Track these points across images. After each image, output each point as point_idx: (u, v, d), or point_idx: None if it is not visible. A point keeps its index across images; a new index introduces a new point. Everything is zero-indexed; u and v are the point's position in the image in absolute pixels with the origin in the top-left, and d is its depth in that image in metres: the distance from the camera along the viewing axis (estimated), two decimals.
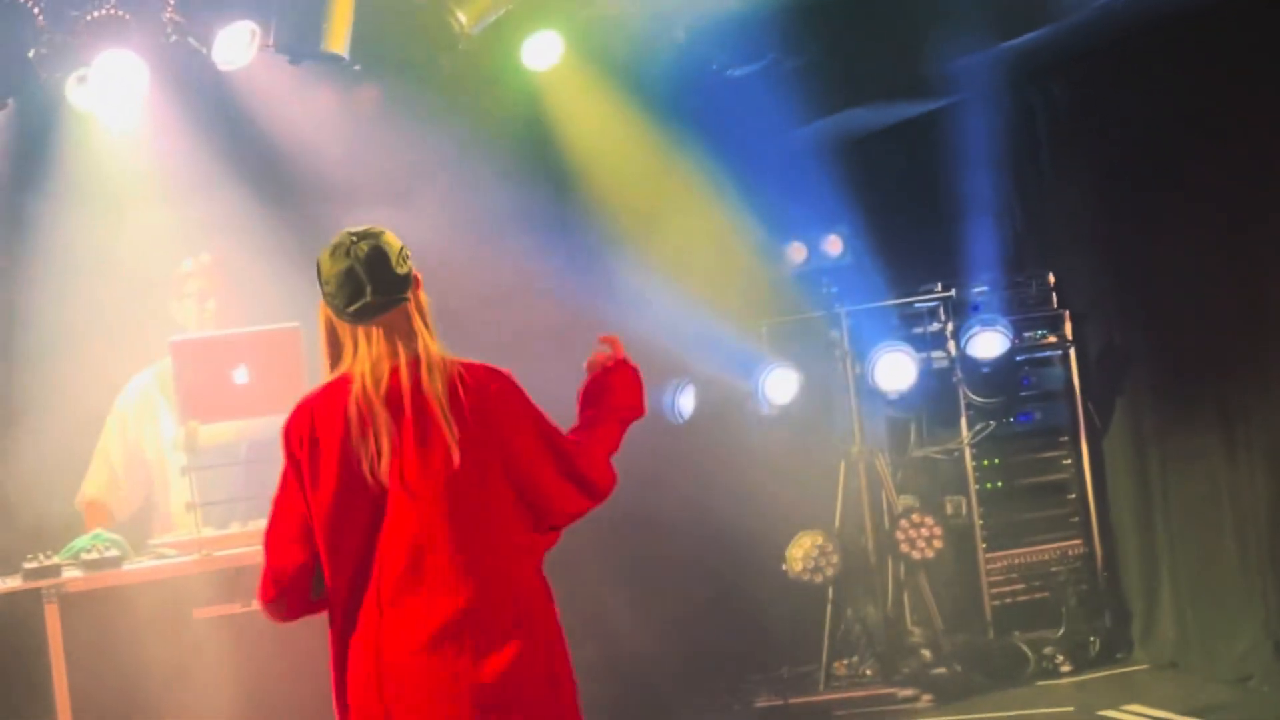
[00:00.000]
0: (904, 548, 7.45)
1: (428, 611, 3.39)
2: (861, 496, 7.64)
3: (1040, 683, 7.20)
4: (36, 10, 5.57)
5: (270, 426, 3.89)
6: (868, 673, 7.44)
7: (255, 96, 6.44)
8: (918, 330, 7.78)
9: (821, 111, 7.50)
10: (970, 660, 7.33)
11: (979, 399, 7.59)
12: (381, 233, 3.53)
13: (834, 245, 8.08)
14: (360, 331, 3.46)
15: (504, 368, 3.56)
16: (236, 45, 5.97)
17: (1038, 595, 7.60)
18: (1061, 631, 7.44)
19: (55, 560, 4.97)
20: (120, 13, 5.70)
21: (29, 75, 5.69)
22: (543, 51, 6.75)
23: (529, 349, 6.71)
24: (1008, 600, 7.62)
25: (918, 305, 7.79)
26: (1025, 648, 7.37)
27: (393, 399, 3.42)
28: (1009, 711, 6.88)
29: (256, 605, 3.55)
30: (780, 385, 7.66)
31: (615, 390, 3.82)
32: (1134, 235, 7.20)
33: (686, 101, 7.13)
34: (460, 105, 6.89)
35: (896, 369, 7.53)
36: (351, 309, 3.45)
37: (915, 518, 7.45)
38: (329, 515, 3.42)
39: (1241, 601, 6.74)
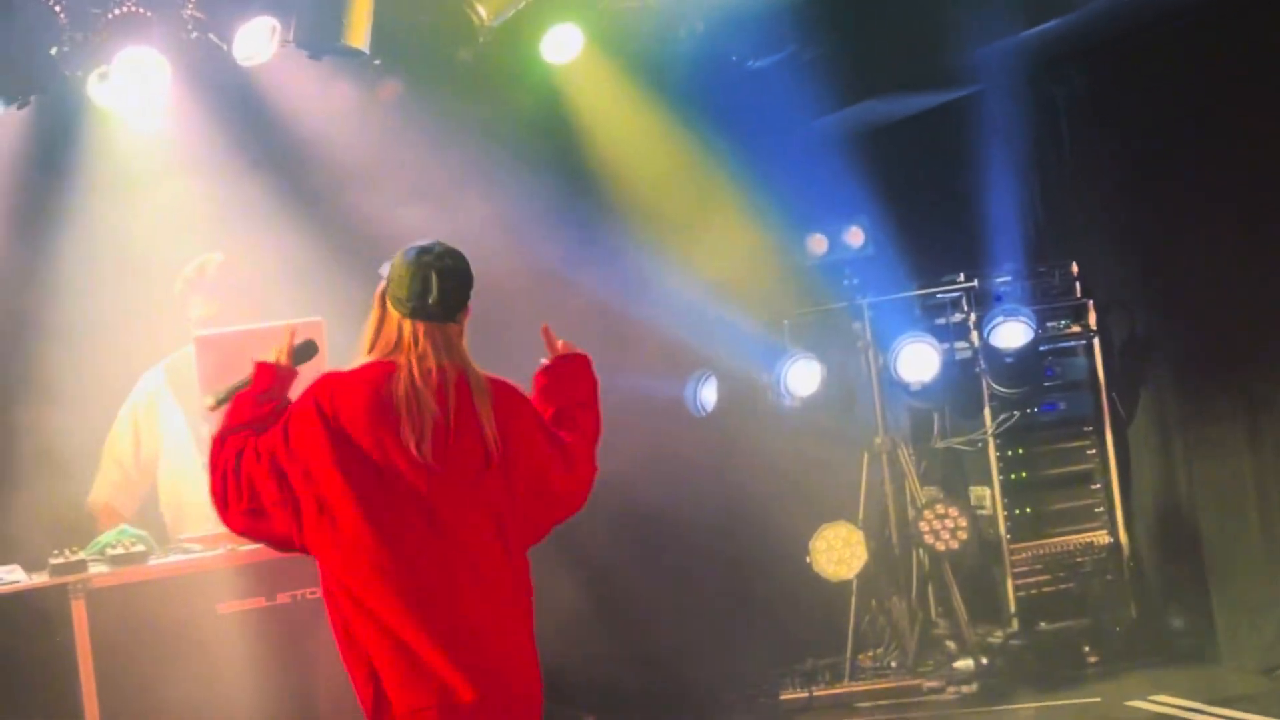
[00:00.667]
0: (928, 539, 7.43)
1: (443, 591, 3.61)
2: (885, 488, 7.63)
3: (1067, 673, 7.18)
4: (58, 8, 5.59)
5: None
6: (892, 664, 7.43)
7: (276, 92, 6.46)
8: (940, 321, 7.77)
9: (841, 102, 7.49)
10: (995, 652, 7.30)
11: (1002, 389, 7.57)
12: (457, 251, 3.81)
13: (855, 236, 8.06)
14: (419, 327, 3.72)
15: (508, 378, 3.83)
16: (257, 41, 5.98)
17: (1063, 586, 7.58)
18: (1087, 622, 7.41)
19: (81, 556, 4.99)
20: (141, 10, 5.72)
21: (51, 72, 5.71)
22: (562, 44, 6.75)
23: (534, 334, 6.76)
24: (1033, 591, 7.59)
25: (940, 296, 7.78)
26: (1051, 639, 7.34)
27: (438, 392, 3.68)
28: (1035, 703, 6.87)
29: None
30: (802, 377, 7.66)
31: (567, 383, 4.03)
32: (1157, 224, 7.17)
33: (706, 93, 7.12)
34: (480, 98, 6.89)
35: (919, 360, 7.51)
36: (414, 305, 3.71)
37: (939, 509, 7.43)
38: (342, 487, 3.63)
39: (1267, 590, 6.72)
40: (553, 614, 6.48)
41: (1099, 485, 7.67)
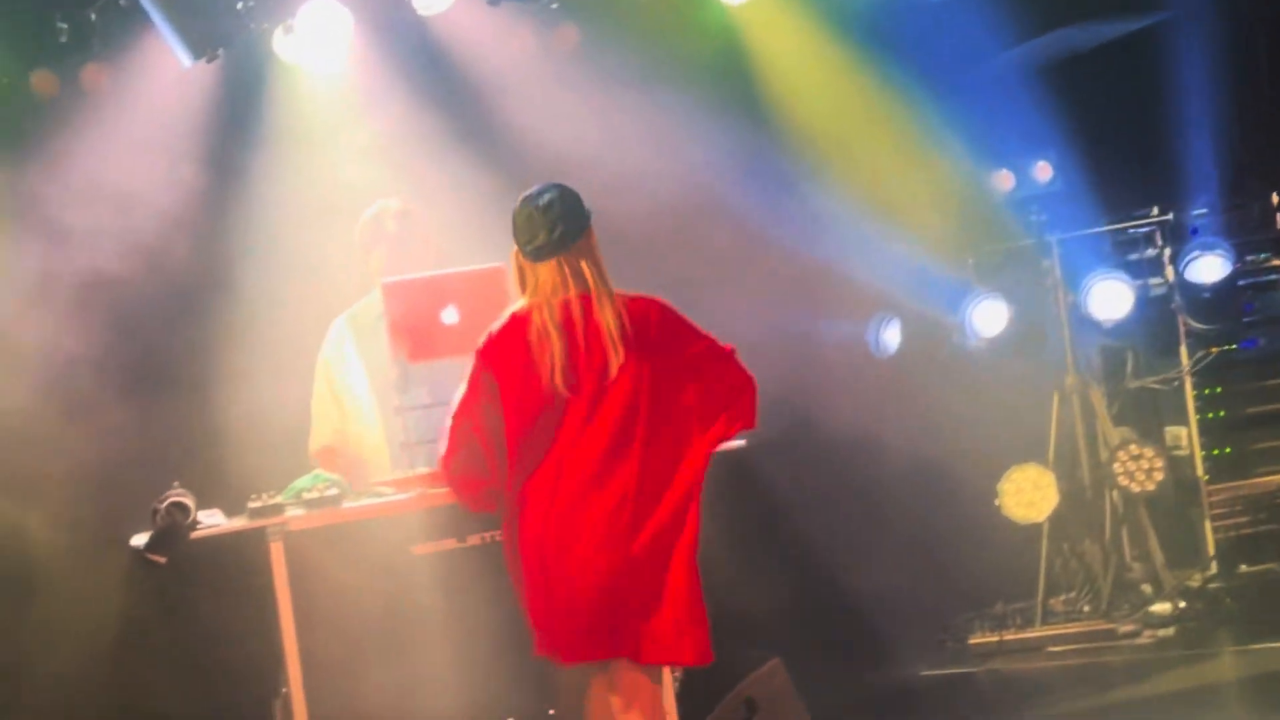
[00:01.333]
0: (1123, 480, 7.26)
1: (599, 500, 4.04)
2: (1076, 429, 7.48)
3: (1269, 617, 6.96)
4: None
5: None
6: (1085, 609, 7.29)
7: (455, 40, 6.51)
8: (1133, 256, 7.59)
9: (1028, 33, 7.34)
10: (1194, 596, 7.13)
11: (1199, 326, 7.40)
12: (561, 186, 4.18)
13: (1043, 171, 7.87)
14: (542, 268, 4.13)
15: (659, 297, 4.17)
16: None
17: (1263, 528, 7.37)
18: None
19: (278, 500, 5.09)
20: None
21: (238, 26, 5.81)
22: None
23: (719, 274, 6.75)
24: (1232, 534, 7.39)
25: (1132, 231, 7.59)
26: (1252, 582, 7.15)
27: (567, 325, 4.07)
28: (1236, 647, 6.71)
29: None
30: (989, 317, 7.52)
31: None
32: None
33: (887, 26, 7.00)
34: (656, 39, 6.86)
35: (1111, 297, 7.35)
36: (530, 248, 4.13)
37: (1134, 449, 7.26)
38: (516, 422, 4.12)
39: None
40: (737, 556, 6.53)
41: None
